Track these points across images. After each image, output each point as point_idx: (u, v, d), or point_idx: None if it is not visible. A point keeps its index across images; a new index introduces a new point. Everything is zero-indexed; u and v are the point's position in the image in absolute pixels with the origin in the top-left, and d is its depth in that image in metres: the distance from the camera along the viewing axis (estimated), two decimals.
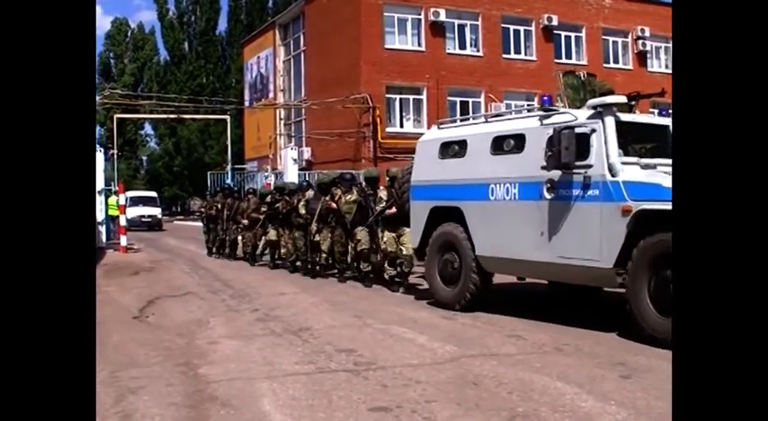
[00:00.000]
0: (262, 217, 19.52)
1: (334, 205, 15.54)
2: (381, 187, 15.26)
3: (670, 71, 41.29)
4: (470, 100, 37.23)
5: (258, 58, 50.27)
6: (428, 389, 6.70)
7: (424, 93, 36.29)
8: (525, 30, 38.75)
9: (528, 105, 37.88)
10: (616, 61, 41.27)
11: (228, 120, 40.33)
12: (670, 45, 42.14)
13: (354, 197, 15.20)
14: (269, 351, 8.61)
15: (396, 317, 10.95)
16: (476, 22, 37.51)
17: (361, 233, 14.90)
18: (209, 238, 23.98)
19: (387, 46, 35.70)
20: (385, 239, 14.26)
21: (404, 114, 36.47)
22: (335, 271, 16.43)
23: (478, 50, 37.64)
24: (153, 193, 48.96)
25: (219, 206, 22.86)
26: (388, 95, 35.70)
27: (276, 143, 44.79)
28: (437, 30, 36.42)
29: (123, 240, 25.25)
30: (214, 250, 23.51)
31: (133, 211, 39.74)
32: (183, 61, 69.53)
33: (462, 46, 37.49)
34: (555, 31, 39.15)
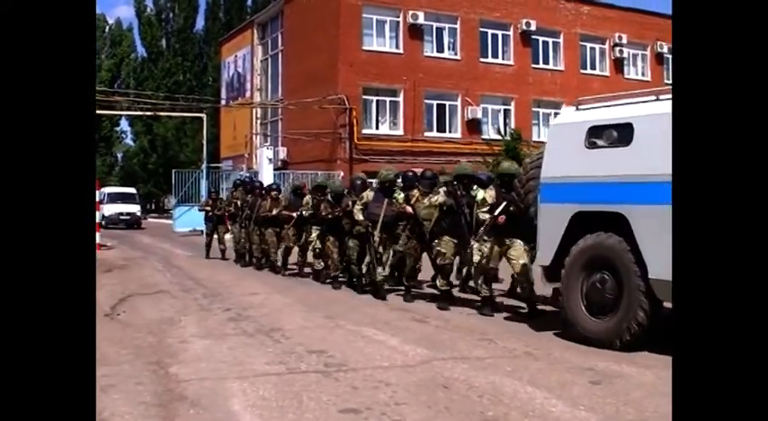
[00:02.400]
0: (296, 215, 16.53)
1: (409, 209, 12.64)
2: (475, 186, 12.12)
3: (647, 78, 41.73)
4: (447, 103, 37.34)
5: (236, 56, 50.21)
6: (398, 392, 6.70)
7: (401, 95, 36.32)
8: (503, 34, 38.87)
9: (505, 109, 38.13)
10: (593, 67, 41.47)
11: (205, 119, 40.15)
12: (647, 52, 42.55)
13: (440, 199, 12.06)
14: (240, 351, 8.59)
15: (368, 318, 10.94)
16: (454, 26, 37.60)
17: (447, 244, 11.99)
18: (211, 240, 21.77)
19: (365, 47, 35.73)
20: (486, 252, 11.19)
21: (380, 116, 36.50)
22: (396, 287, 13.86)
23: (456, 54, 37.73)
24: (132, 190, 48.05)
25: (240, 204, 20.01)
26: (364, 97, 35.71)
27: (252, 142, 44.69)
28: (415, 32, 36.46)
29: (97, 237, 25.03)
30: (236, 257, 20.33)
31: (111, 208, 39.37)
32: (161, 58, 69.41)
33: (440, 49, 37.57)
34: (533, 36, 39.31)
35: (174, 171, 38.96)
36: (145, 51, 72.03)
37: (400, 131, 36.38)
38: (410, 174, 13.85)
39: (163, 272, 18.23)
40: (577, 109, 9.86)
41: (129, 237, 32.81)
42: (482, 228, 11.15)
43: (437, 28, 37.35)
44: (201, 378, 7.26)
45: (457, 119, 37.55)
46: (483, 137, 36.46)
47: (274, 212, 17.48)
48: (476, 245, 11.32)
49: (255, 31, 46.71)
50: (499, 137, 34.56)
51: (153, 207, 73.04)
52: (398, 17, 36.27)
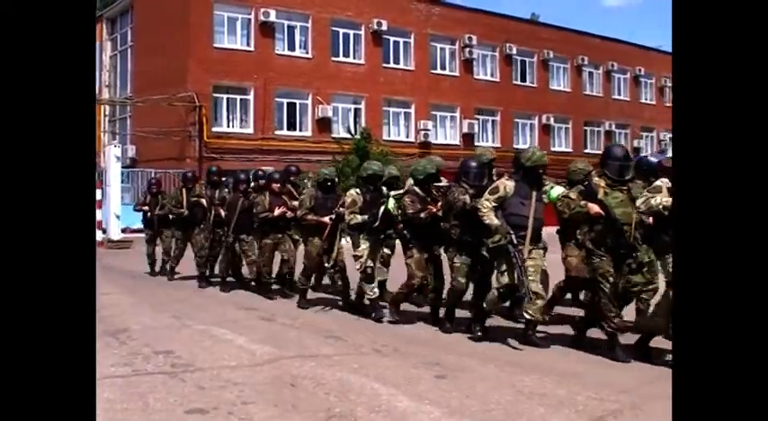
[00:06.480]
0: (328, 220, 11.53)
1: (596, 209, 8.06)
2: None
3: (496, 79, 42.60)
4: (297, 102, 37.24)
5: None
6: (245, 391, 6.72)
7: (252, 93, 36.06)
8: (355, 33, 39.00)
9: (356, 108, 38.30)
10: (443, 68, 42.01)
11: None
12: (496, 53, 43.39)
13: (666, 199, 7.55)
14: None
15: (216, 318, 10.89)
16: (306, 24, 37.54)
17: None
18: (153, 251, 17.03)
19: (216, 45, 35.31)
20: None
21: (230, 114, 36.16)
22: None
23: (307, 52, 37.68)
24: None
25: (205, 202, 14.90)
26: (215, 95, 35.30)
27: (100, 140, 43.72)
28: (267, 30, 36.25)
29: None
30: (217, 271, 15.06)
31: None
32: None
33: (291, 47, 37.45)
34: (384, 36, 39.56)
35: None
36: None
37: (250, 130, 36.12)
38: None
39: None
40: None
41: None
42: None
43: (288, 26, 37.22)
44: None
45: (307, 117, 37.51)
46: (333, 136, 36.50)
47: (280, 211, 12.73)
48: None
49: (104, 26, 45.69)
50: (349, 135, 34.75)
51: None
52: (250, 14, 36.00)
